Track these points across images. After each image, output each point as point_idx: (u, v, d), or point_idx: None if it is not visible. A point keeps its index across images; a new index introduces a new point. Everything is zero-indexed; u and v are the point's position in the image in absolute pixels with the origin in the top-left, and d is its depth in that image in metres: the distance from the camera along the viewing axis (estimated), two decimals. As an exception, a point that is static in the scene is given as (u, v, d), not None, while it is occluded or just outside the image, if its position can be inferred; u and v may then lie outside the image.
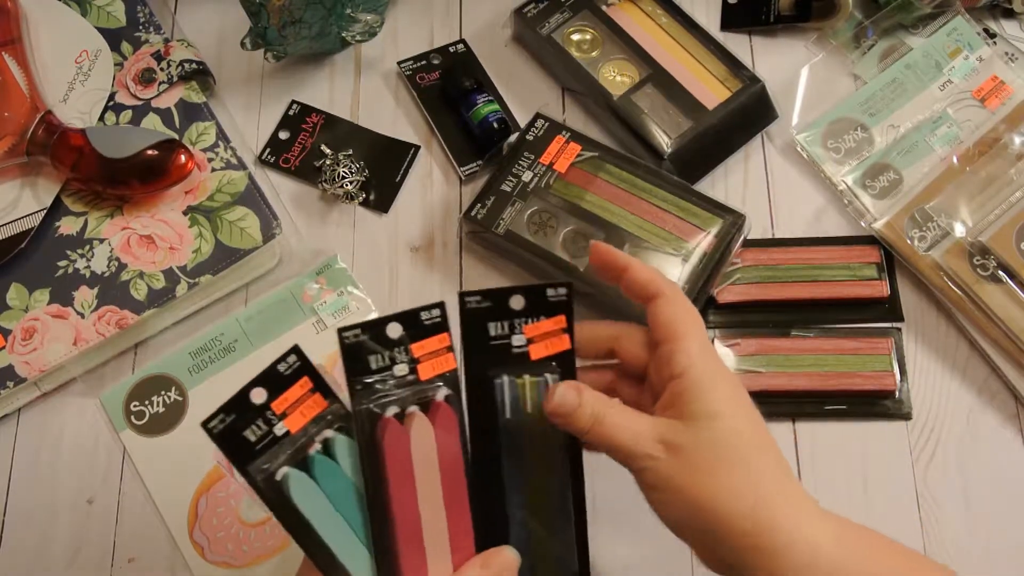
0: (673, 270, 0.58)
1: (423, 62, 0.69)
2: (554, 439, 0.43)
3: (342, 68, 0.70)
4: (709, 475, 0.39)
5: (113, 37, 0.67)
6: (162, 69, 0.66)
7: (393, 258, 0.64)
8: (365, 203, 0.65)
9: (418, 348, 0.42)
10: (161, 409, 0.59)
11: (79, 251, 0.61)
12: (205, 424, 0.40)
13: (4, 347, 0.58)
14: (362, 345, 0.42)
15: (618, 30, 0.67)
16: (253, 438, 0.40)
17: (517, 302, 0.43)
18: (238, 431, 0.40)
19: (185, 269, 0.61)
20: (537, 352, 0.43)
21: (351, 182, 0.64)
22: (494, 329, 0.43)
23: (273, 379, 0.41)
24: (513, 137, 0.63)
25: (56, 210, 0.62)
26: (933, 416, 0.59)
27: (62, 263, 0.61)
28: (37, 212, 0.61)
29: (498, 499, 0.43)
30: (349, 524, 0.41)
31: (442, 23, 0.71)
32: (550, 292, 0.43)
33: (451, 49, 0.70)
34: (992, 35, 0.69)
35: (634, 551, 0.56)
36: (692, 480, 0.39)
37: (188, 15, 0.71)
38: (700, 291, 0.59)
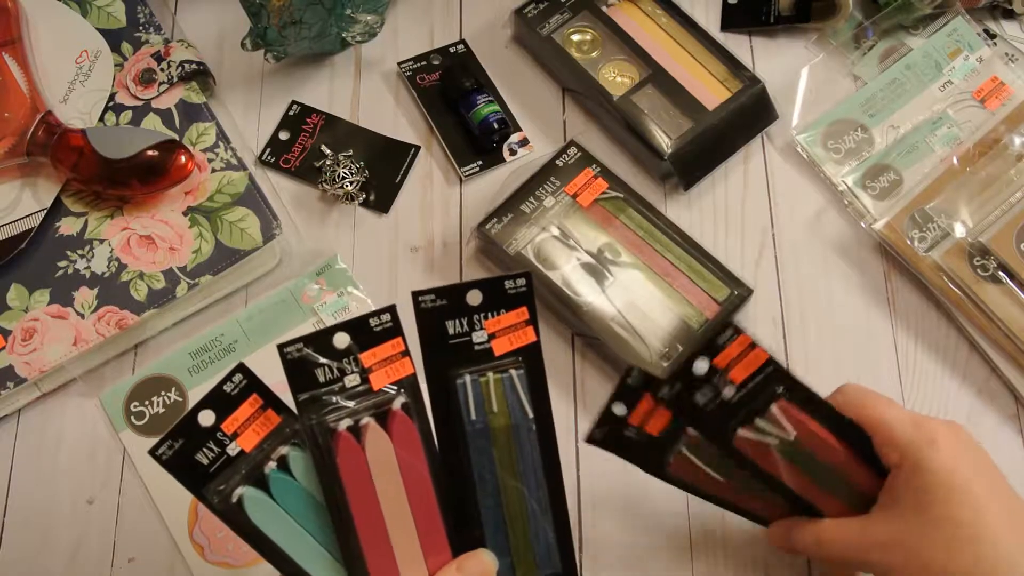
0: (667, 327, 0.58)
1: (423, 62, 0.69)
2: (525, 436, 0.43)
3: (342, 68, 0.70)
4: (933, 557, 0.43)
5: (113, 37, 0.67)
6: (162, 69, 0.66)
7: (393, 258, 0.64)
8: (365, 203, 0.65)
9: (369, 356, 0.41)
10: (161, 409, 0.59)
11: (79, 251, 0.61)
12: (153, 452, 0.39)
13: (4, 347, 0.58)
14: (306, 359, 0.40)
15: (618, 30, 0.67)
16: (206, 461, 0.39)
17: (474, 297, 0.41)
18: (189, 455, 0.39)
19: (185, 270, 0.61)
20: (501, 347, 0.42)
21: (351, 182, 0.64)
22: (452, 327, 0.41)
23: (220, 400, 0.40)
24: (544, 159, 0.63)
25: (56, 210, 0.62)
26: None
27: (62, 263, 0.61)
28: (37, 212, 0.61)
29: (471, 502, 0.42)
30: (314, 538, 0.41)
31: (442, 23, 0.71)
32: (508, 284, 0.41)
33: (451, 49, 0.70)
34: (992, 36, 0.69)
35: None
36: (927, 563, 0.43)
37: (188, 15, 0.71)
38: (692, 355, 0.57)
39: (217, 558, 0.55)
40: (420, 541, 0.42)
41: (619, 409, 0.45)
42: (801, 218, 0.65)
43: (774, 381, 0.46)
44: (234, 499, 0.40)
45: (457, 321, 0.42)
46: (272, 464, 0.41)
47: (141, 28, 0.68)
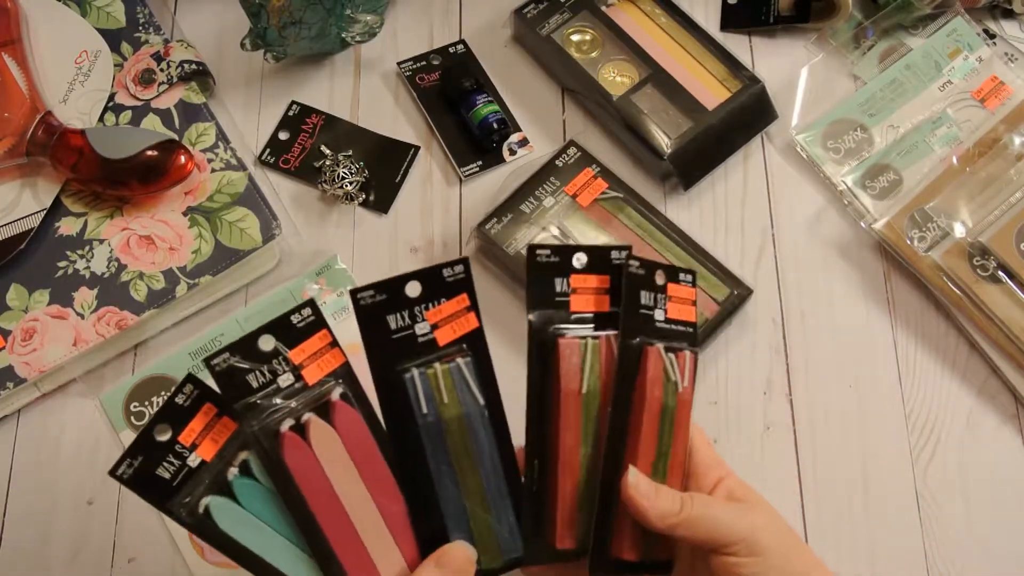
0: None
1: (423, 62, 0.69)
2: (478, 424, 0.42)
3: (342, 69, 0.70)
4: (800, 550, 0.42)
5: (113, 38, 0.67)
6: (162, 70, 0.66)
7: (393, 258, 0.64)
8: (365, 203, 0.65)
9: (298, 353, 0.41)
10: (161, 409, 0.59)
11: (79, 252, 0.61)
12: (112, 472, 0.38)
13: (4, 348, 0.58)
14: (235, 368, 0.40)
15: (618, 30, 0.67)
16: (167, 475, 0.39)
17: (413, 289, 0.41)
18: (149, 472, 0.38)
19: (185, 270, 0.61)
20: (444, 336, 0.42)
21: (351, 183, 0.64)
22: (394, 322, 0.41)
23: (174, 413, 0.39)
24: (544, 159, 0.63)
25: (56, 211, 0.62)
26: (933, 416, 0.59)
27: (62, 264, 0.61)
28: (37, 213, 0.61)
29: (430, 494, 0.42)
30: (286, 538, 0.41)
31: (442, 23, 0.71)
32: (447, 272, 0.41)
33: (451, 49, 0.70)
34: (992, 35, 0.69)
35: None
36: (788, 558, 0.41)
37: (188, 15, 0.71)
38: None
39: (217, 558, 0.55)
40: (388, 527, 0.41)
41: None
42: (801, 218, 0.65)
43: (687, 340, 0.45)
44: (201, 510, 0.39)
45: (398, 315, 0.41)
46: (234, 470, 0.40)
47: (141, 28, 0.68)
